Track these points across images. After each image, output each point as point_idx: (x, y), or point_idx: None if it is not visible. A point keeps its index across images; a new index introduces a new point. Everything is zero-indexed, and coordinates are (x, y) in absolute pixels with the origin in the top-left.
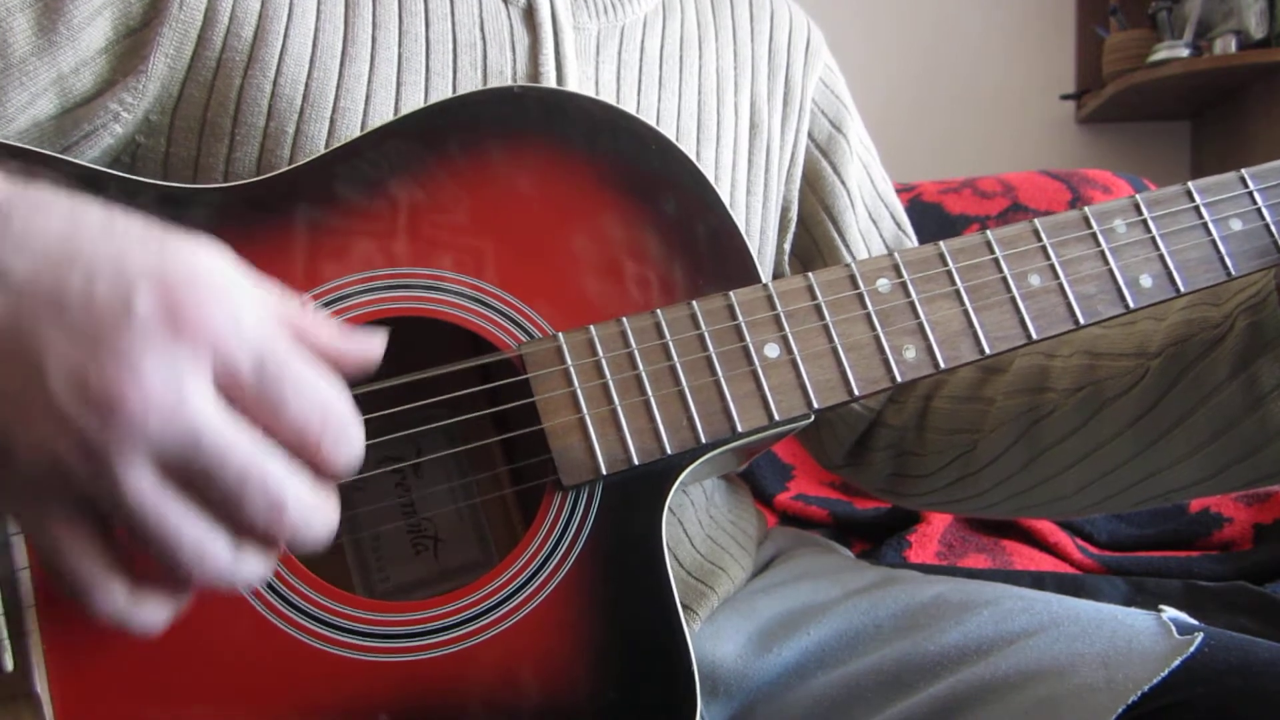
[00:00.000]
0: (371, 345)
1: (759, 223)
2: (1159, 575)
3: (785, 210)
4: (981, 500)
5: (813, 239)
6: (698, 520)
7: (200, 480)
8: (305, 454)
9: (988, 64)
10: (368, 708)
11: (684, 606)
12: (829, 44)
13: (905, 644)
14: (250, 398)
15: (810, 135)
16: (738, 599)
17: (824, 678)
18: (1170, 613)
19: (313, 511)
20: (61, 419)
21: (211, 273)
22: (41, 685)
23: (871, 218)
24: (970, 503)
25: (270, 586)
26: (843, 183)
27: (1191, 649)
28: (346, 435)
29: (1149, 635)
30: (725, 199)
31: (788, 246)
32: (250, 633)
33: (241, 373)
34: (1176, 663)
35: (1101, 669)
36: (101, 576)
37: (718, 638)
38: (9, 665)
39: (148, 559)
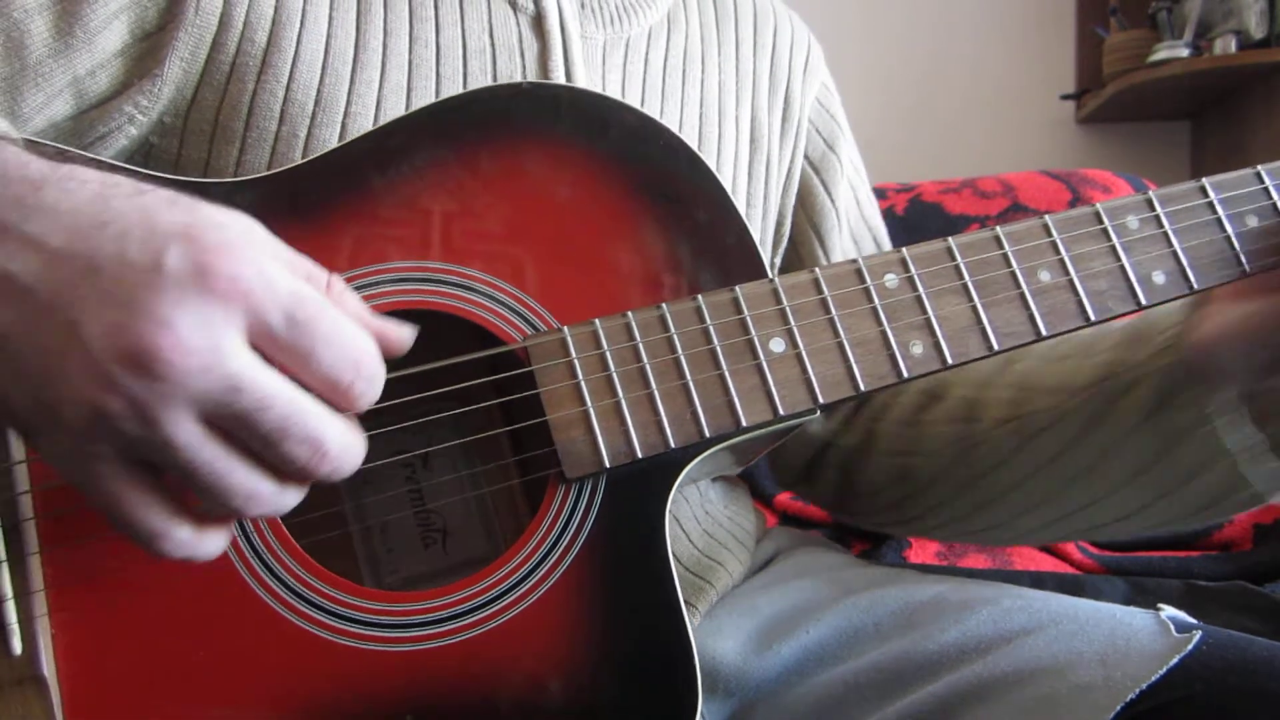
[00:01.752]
0: (403, 332)
1: (758, 235)
2: (1159, 575)
3: (779, 225)
4: (922, 524)
5: (798, 256)
6: (694, 517)
7: (243, 427)
8: (336, 400)
9: (988, 64)
10: (370, 696)
11: (685, 601)
12: (830, 45)
13: (904, 642)
14: (283, 349)
15: (805, 153)
16: (737, 596)
17: (824, 676)
18: (1169, 611)
19: (348, 449)
20: (103, 376)
21: (241, 233)
22: (49, 669)
23: (854, 238)
24: (911, 525)
25: (275, 575)
26: (832, 202)
27: (1189, 647)
28: (376, 380)
29: (1147, 634)
30: (747, 224)
31: (778, 261)
32: (255, 620)
33: (272, 325)
34: (1174, 661)
35: (1100, 667)
36: (165, 524)
37: (718, 635)
38: (17, 649)
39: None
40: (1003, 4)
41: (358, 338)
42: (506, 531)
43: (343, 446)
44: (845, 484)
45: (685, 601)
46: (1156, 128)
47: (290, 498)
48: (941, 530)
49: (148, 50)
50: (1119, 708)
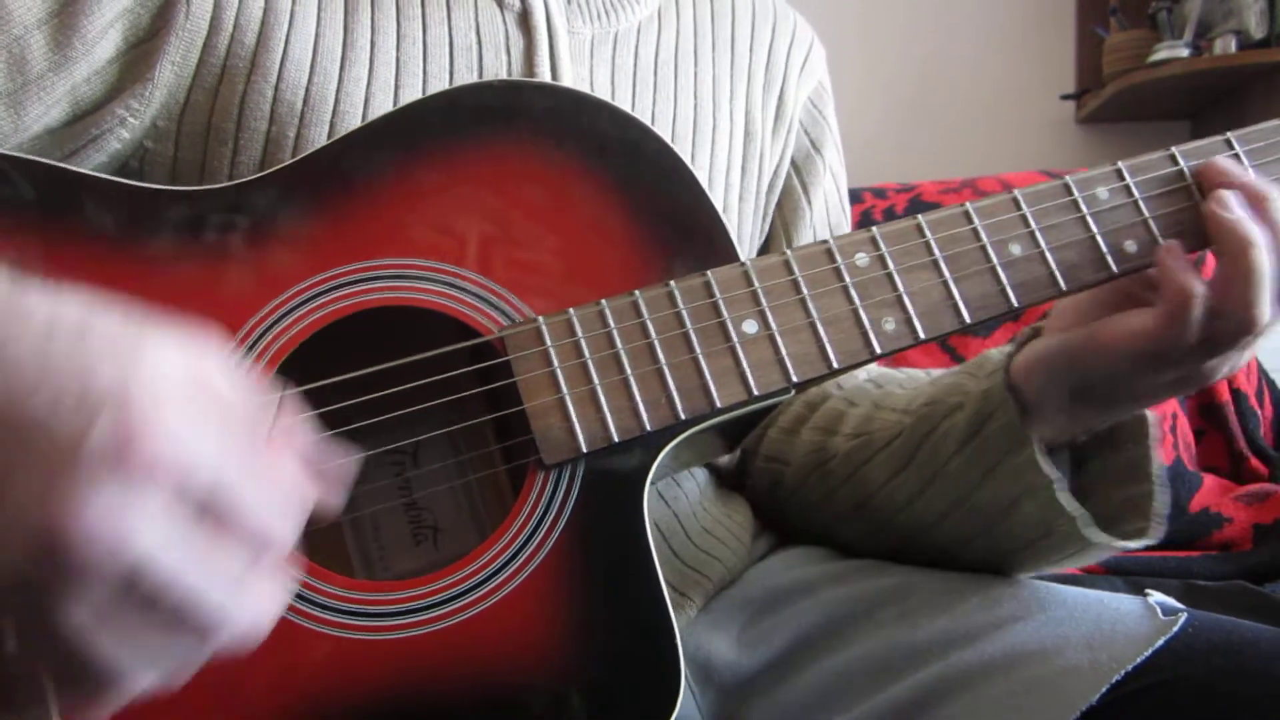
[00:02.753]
0: (345, 469)
1: (750, 229)
2: (1158, 575)
3: (764, 219)
4: (792, 527)
5: (765, 250)
6: (691, 511)
7: (137, 613)
8: (254, 556)
9: (988, 64)
10: (348, 684)
11: (680, 593)
12: (830, 45)
13: (895, 631)
14: (201, 520)
15: (792, 152)
16: (733, 590)
17: (816, 666)
18: (1156, 596)
19: (255, 620)
20: (14, 547)
21: (175, 393)
22: None
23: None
24: (787, 525)
25: None
26: (809, 203)
27: (1174, 629)
28: (299, 526)
29: (1134, 617)
30: (719, 205)
31: (754, 254)
32: None
33: (191, 502)
34: (1160, 643)
35: (1086, 650)
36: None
37: (714, 628)
38: None
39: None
40: (1003, 4)
41: (282, 506)
42: (496, 525)
43: (247, 627)
44: (740, 482)
45: (681, 593)
46: (1156, 128)
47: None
48: (808, 539)
49: (140, 56)
50: (1104, 689)
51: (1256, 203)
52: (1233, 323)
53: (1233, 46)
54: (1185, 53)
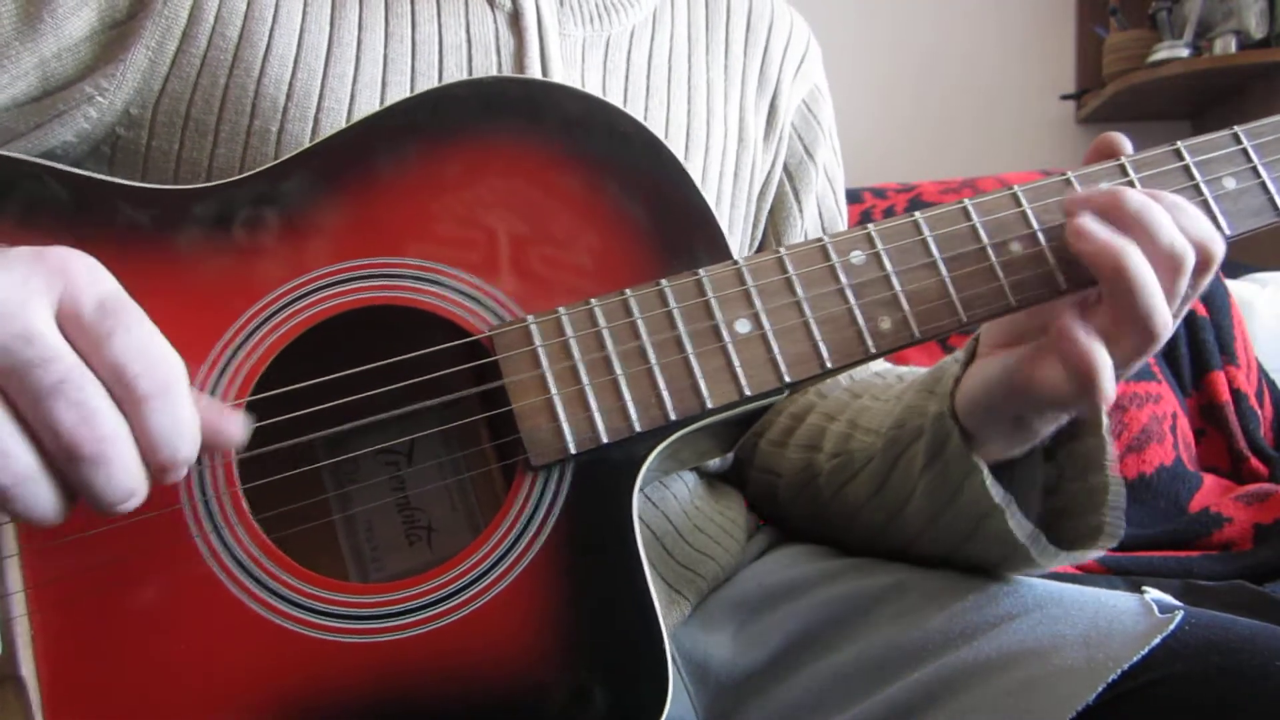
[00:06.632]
0: (235, 424)
1: (740, 235)
2: (1158, 575)
3: (755, 225)
4: (795, 528)
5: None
6: (683, 511)
7: (20, 380)
8: (122, 394)
9: (988, 64)
10: (339, 689)
11: (675, 591)
12: (830, 45)
13: (892, 630)
14: (85, 329)
15: (784, 158)
16: (728, 589)
17: (812, 665)
18: (1153, 593)
19: (118, 447)
20: None
21: (86, 254)
22: (28, 669)
23: None
24: (790, 526)
25: (244, 567)
26: (800, 210)
27: (1171, 627)
28: (168, 398)
29: (1130, 615)
30: (710, 206)
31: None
32: (229, 615)
33: (84, 306)
34: (1156, 640)
35: (1083, 649)
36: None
37: (709, 628)
38: None
39: None
40: (1003, 4)
41: (162, 346)
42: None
43: (112, 430)
44: (744, 490)
45: (676, 591)
46: (1156, 128)
47: (45, 488)
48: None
49: (116, 38)
50: (1101, 688)
51: (1110, 212)
52: (1135, 341)
53: (1233, 46)
54: (1185, 53)
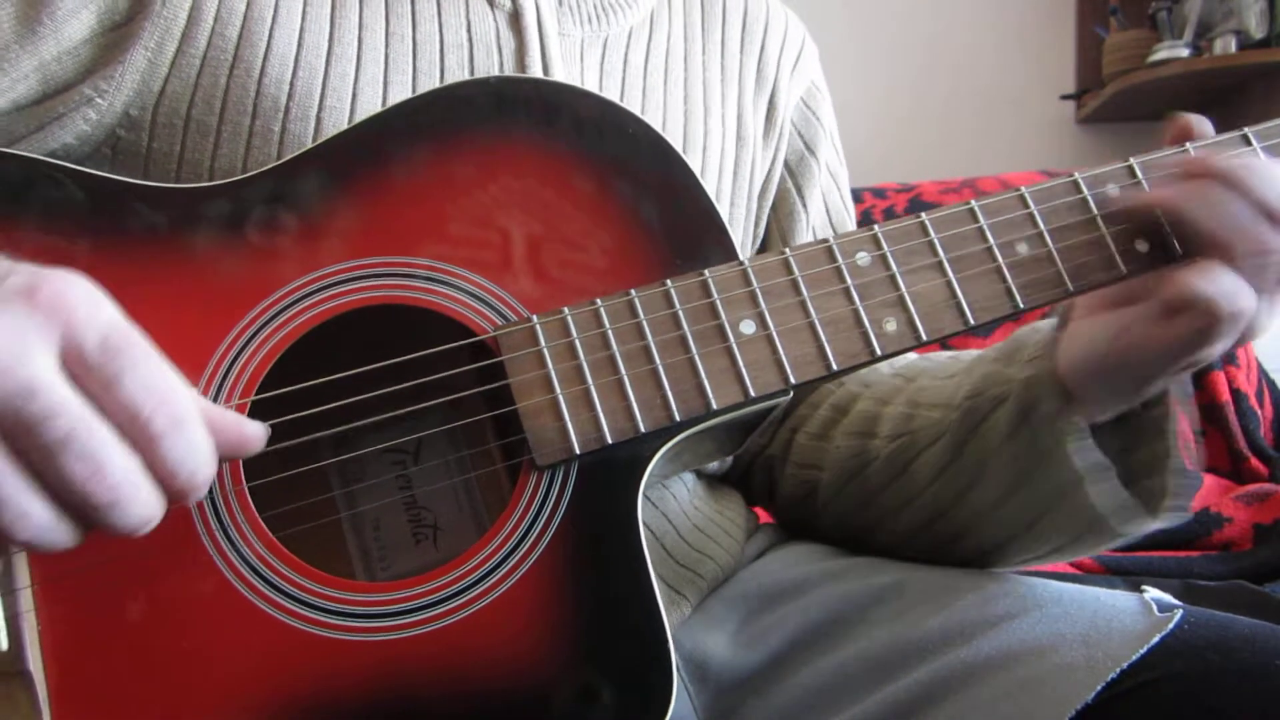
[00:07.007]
0: (251, 430)
1: (741, 233)
2: (1158, 575)
3: (756, 224)
4: (826, 536)
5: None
6: (682, 512)
7: (28, 435)
8: (135, 433)
9: (987, 64)
10: (343, 687)
11: (675, 591)
12: (829, 45)
13: (891, 629)
14: (91, 369)
15: (785, 155)
16: (729, 589)
17: (812, 665)
18: (1152, 592)
19: (133, 488)
20: None
21: (80, 280)
22: (35, 664)
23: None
24: (820, 534)
25: (250, 565)
26: (804, 206)
27: (1170, 626)
28: (182, 432)
29: (1129, 614)
30: (718, 209)
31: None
32: (235, 613)
33: (86, 345)
34: (1155, 639)
35: (1082, 648)
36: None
37: (709, 627)
38: (3, 644)
39: None
40: (1002, 4)
41: (170, 379)
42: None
43: (124, 476)
44: (768, 487)
45: (676, 591)
46: (1157, 128)
47: (64, 533)
48: (846, 546)
49: (115, 40)
50: (1100, 687)
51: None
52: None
53: (1233, 46)
54: (1185, 53)
